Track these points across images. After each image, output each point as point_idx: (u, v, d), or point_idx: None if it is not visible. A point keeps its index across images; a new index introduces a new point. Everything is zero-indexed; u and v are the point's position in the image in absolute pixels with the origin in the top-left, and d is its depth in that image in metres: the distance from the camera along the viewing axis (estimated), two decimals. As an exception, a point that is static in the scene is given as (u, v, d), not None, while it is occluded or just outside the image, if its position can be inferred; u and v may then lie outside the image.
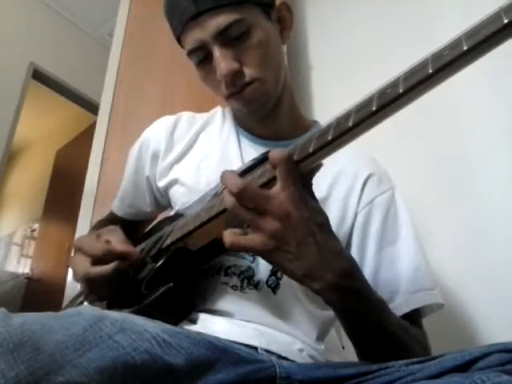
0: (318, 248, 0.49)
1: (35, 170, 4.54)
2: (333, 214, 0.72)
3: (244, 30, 0.69)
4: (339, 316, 0.55)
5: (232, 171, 0.54)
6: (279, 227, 0.48)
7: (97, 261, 0.66)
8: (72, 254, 0.73)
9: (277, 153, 0.49)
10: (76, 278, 0.70)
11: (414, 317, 0.68)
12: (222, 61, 0.69)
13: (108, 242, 0.68)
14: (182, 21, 0.71)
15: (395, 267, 0.71)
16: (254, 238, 0.49)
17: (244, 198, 0.49)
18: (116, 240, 0.68)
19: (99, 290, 0.68)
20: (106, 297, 0.68)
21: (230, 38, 0.69)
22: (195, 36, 0.70)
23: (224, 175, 0.52)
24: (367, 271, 0.71)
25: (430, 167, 1.21)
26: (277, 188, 0.49)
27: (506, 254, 1.01)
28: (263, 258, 0.52)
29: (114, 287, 0.67)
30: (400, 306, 0.68)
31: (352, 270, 0.53)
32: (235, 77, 0.70)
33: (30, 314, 0.42)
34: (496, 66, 0.96)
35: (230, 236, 0.51)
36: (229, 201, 0.50)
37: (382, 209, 0.75)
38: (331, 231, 0.52)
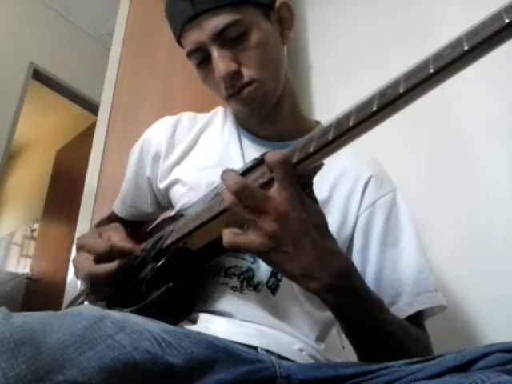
0: (314, 248, 0.49)
1: (35, 170, 4.54)
2: (334, 216, 0.73)
3: (242, 31, 0.69)
4: (337, 316, 0.55)
5: (232, 169, 0.54)
6: (276, 228, 0.49)
7: (100, 258, 0.66)
8: (73, 253, 0.73)
9: (273, 155, 0.49)
10: (79, 275, 0.70)
11: (417, 319, 0.69)
12: (220, 62, 0.69)
13: (110, 239, 0.68)
14: (181, 22, 0.71)
15: (398, 269, 0.71)
16: (251, 238, 0.50)
17: (243, 196, 0.49)
18: (118, 238, 0.69)
19: (101, 288, 0.68)
20: (106, 296, 0.68)
21: (228, 39, 0.69)
22: (193, 37, 0.70)
23: (224, 173, 0.52)
24: (370, 273, 0.71)
25: (430, 168, 1.21)
26: (275, 189, 0.49)
27: (506, 254, 1.01)
28: (261, 257, 0.52)
29: (115, 286, 0.67)
30: (403, 308, 0.68)
31: (349, 271, 0.53)
32: (233, 78, 0.70)
33: (31, 314, 0.43)
34: (497, 65, 0.96)
35: (228, 235, 0.51)
36: (228, 198, 0.51)
37: (383, 211, 0.75)
38: (328, 232, 0.53)
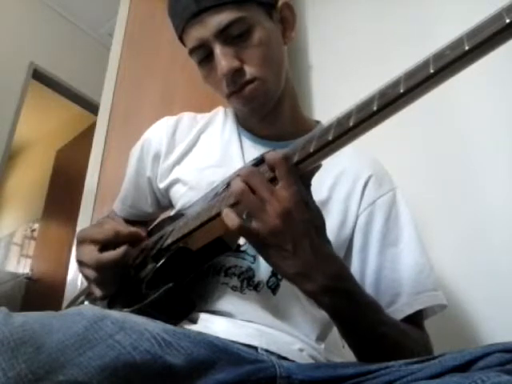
0: (312, 250, 0.50)
1: (35, 170, 4.54)
2: (334, 215, 0.73)
3: (245, 29, 0.69)
4: (333, 319, 0.56)
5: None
6: (279, 224, 0.49)
7: (105, 247, 0.66)
8: (74, 248, 0.72)
9: (273, 153, 0.49)
10: (83, 268, 0.68)
11: (417, 318, 0.68)
12: (223, 59, 0.69)
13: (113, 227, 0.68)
14: (184, 19, 0.71)
15: (398, 268, 0.70)
16: (253, 227, 0.50)
17: (252, 182, 0.50)
18: (120, 226, 0.68)
19: (109, 278, 0.66)
20: (107, 295, 0.68)
21: (231, 36, 0.69)
22: (196, 34, 0.70)
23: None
24: (370, 272, 0.71)
25: (430, 167, 1.21)
26: (279, 187, 0.49)
27: (506, 254, 1.01)
28: (258, 251, 0.53)
29: (117, 284, 0.67)
30: (403, 308, 0.68)
31: (343, 274, 0.54)
32: (236, 75, 0.70)
33: (31, 313, 0.42)
34: (497, 65, 0.96)
35: (227, 212, 0.52)
36: (237, 185, 0.51)
37: (383, 210, 0.74)
38: (326, 235, 0.53)
